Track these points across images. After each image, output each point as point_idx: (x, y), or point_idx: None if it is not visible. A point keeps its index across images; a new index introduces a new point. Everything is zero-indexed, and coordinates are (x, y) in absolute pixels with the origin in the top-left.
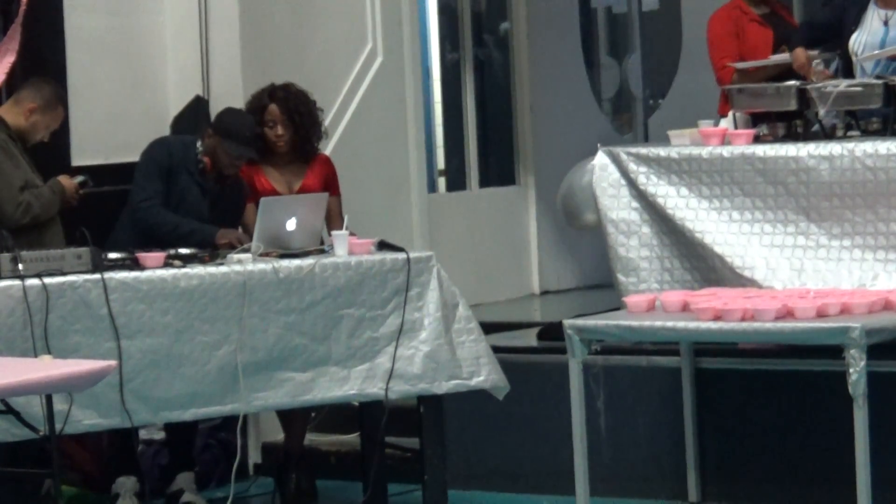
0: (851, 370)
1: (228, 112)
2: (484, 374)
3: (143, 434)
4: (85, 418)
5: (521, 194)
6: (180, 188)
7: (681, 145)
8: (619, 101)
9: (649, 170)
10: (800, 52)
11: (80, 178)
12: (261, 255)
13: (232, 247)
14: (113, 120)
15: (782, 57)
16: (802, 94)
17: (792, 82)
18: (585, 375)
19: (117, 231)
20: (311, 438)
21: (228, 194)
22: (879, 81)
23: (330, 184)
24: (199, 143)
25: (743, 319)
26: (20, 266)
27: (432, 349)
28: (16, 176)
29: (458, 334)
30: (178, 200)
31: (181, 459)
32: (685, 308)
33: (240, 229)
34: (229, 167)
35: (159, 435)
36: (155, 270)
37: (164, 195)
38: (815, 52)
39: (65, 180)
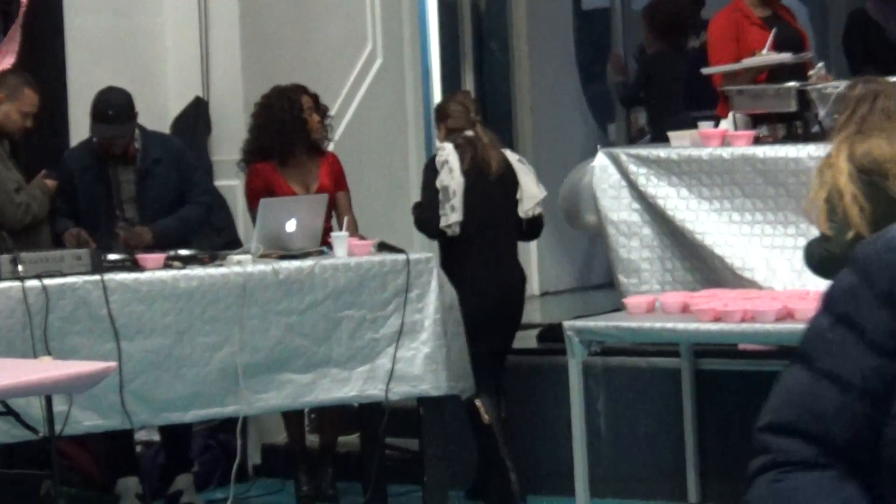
0: None
1: (98, 93)
2: None
3: (142, 435)
4: (85, 419)
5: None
6: (85, 188)
7: (681, 146)
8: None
9: (649, 171)
10: None
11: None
12: (261, 256)
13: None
14: None
15: (754, 60)
16: (802, 96)
17: (792, 83)
18: (585, 376)
19: None
20: (311, 439)
21: (157, 171)
22: None
23: (339, 180)
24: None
25: (743, 321)
26: (20, 267)
27: (432, 350)
28: (9, 178)
29: (458, 335)
30: (88, 201)
31: (177, 460)
32: (685, 309)
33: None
34: (111, 147)
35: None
36: (155, 272)
37: (70, 205)
38: (820, 65)
39: (46, 180)
